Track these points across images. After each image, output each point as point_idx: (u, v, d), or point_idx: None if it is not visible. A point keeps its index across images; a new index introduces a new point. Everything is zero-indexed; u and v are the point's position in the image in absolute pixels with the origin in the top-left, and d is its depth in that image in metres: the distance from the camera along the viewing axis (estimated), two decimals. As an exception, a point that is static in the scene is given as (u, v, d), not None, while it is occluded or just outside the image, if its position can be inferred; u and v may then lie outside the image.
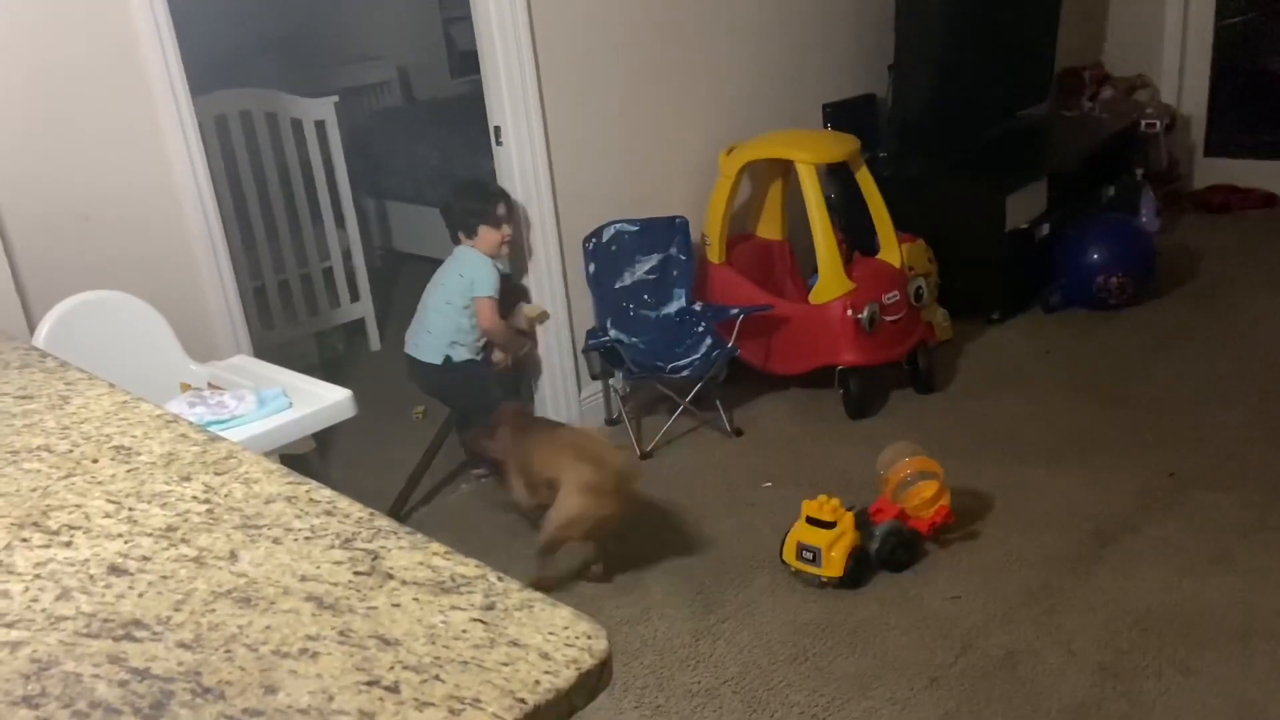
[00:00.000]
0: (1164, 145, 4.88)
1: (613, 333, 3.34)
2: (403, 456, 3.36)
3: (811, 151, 3.47)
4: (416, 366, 3.14)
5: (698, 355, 3.32)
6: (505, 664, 0.81)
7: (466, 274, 3.08)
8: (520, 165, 3.22)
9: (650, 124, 3.54)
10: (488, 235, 3.08)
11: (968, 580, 2.55)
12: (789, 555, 2.58)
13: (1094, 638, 2.31)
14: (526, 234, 3.29)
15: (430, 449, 3.24)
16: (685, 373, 3.29)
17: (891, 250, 3.57)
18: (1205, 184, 5.11)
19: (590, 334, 3.40)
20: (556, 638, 0.84)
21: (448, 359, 3.10)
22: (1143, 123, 4.75)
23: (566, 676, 0.80)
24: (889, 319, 3.42)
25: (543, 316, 3.33)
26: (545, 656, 0.82)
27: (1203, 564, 2.53)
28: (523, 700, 0.77)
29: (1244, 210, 4.94)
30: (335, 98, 3.97)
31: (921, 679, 2.24)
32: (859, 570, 2.54)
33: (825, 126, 4.03)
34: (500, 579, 0.92)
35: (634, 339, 3.37)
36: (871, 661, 2.31)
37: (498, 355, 3.21)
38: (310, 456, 2.26)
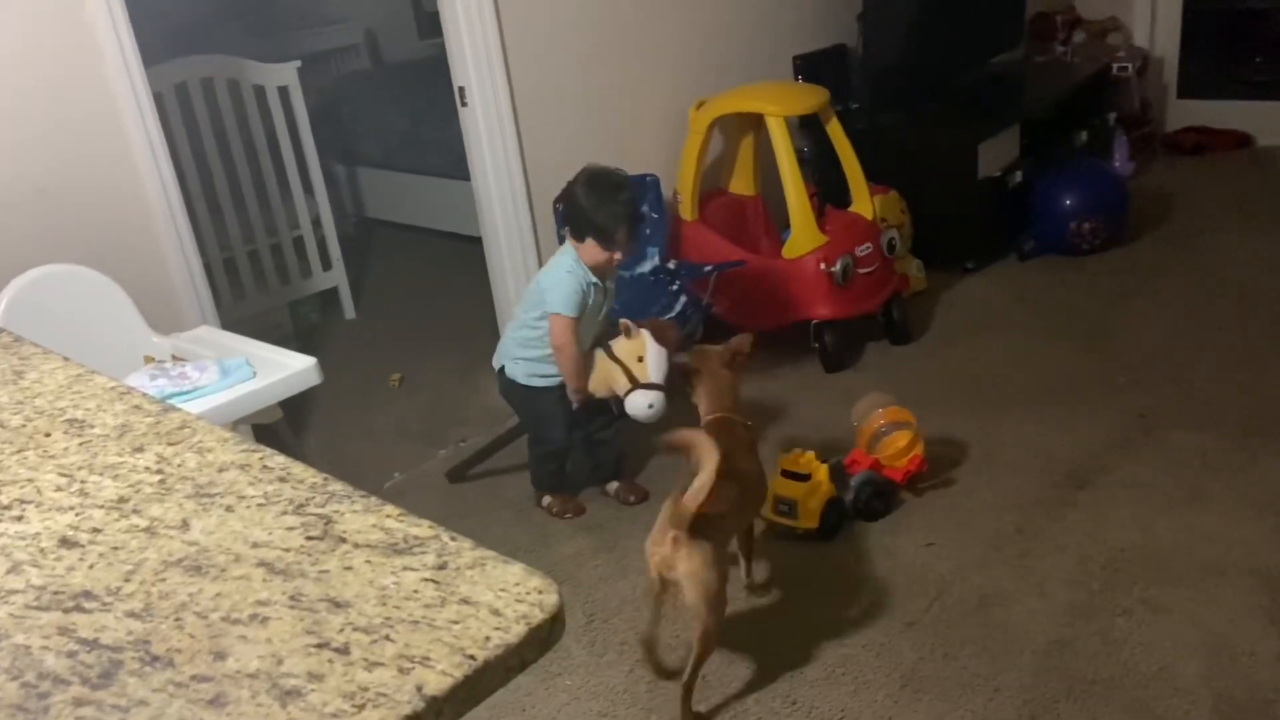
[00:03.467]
0: (1136, 88, 4.86)
1: (586, 293, 3.31)
2: (380, 424, 3.36)
3: (781, 104, 3.44)
4: None
5: (673, 314, 3.31)
6: (455, 622, 0.81)
7: (545, 280, 2.65)
8: (486, 127, 3.18)
9: (618, 80, 3.50)
10: (593, 250, 2.59)
11: (942, 527, 2.57)
12: (765, 509, 2.60)
13: (1066, 578, 2.34)
14: (490, 200, 3.26)
15: (500, 439, 3.01)
16: (660, 331, 3.27)
17: (864, 202, 3.55)
18: (1178, 126, 5.09)
19: (564, 295, 3.38)
20: (508, 594, 0.84)
21: (503, 369, 2.78)
22: (1115, 66, 4.73)
23: (517, 632, 0.80)
24: (862, 271, 3.41)
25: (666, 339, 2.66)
26: (496, 613, 0.82)
27: (1174, 503, 2.56)
28: (472, 657, 0.78)
29: (1217, 151, 4.94)
30: (298, 63, 3.90)
31: (897, 625, 2.26)
32: (834, 521, 2.56)
33: (796, 79, 3.99)
34: (453, 539, 0.92)
35: (608, 299, 3.35)
36: (848, 609, 2.33)
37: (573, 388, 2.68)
38: (279, 426, 2.25)
